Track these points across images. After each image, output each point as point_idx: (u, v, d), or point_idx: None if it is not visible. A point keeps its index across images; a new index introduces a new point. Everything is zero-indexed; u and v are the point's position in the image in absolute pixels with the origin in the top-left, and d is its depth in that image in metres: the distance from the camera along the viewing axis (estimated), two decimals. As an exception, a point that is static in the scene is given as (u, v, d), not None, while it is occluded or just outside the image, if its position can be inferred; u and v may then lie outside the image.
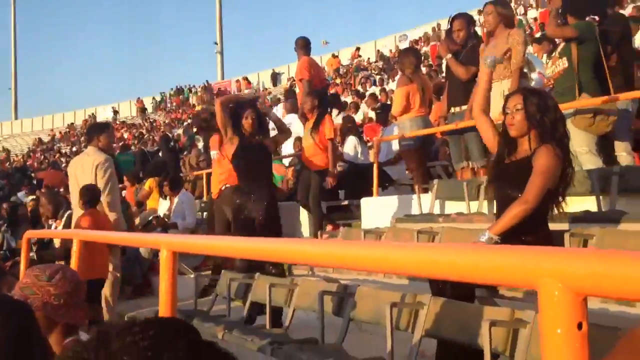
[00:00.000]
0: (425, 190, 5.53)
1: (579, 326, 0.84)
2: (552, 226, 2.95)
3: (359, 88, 17.46)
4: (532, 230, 2.75)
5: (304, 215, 6.60)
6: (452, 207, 5.01)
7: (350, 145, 7.90)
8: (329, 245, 1.59)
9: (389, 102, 10.92)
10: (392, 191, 6.74)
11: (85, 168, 5.32)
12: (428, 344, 3.01)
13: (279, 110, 12.85)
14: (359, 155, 7.73)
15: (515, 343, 2.17)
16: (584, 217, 3.60)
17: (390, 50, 23.34)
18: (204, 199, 8.26)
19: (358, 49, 27.37)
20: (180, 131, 15.65)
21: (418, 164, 5.88)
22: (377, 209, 5.81)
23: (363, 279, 4.28)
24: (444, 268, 1.01)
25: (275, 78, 31.14)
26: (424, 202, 5.37)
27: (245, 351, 3.22)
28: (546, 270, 0.87)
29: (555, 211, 2.89)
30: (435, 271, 1.11)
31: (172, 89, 34.91)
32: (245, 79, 31.40)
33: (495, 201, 3.10)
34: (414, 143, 5.87)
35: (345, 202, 7.03)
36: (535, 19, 17.58)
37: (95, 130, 5.67)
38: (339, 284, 3.42)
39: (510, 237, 2.73)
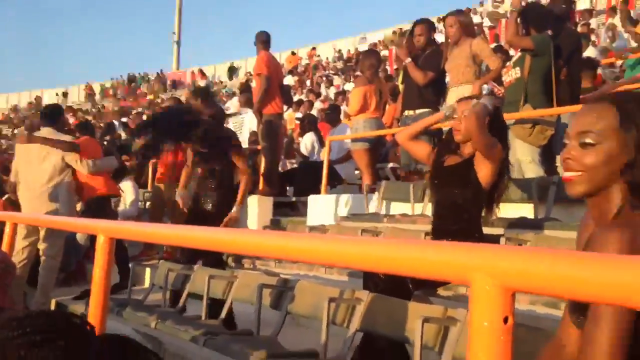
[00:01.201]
0: (373, 191, 5.57)
1: (505, 320, 0.86)
2: (490, 230, 3.01)
3: (318, 87, 17.47)
4: (467, 235, 2.78)
5: (252, 207, 6.52)
6: (398, 208, 5.06)
7: (308, 142, 7.89)
8: (270, 237, 1.55)
9: (339, 104, 10.96)
10: (341, 190, 6.75)
11: (41, 151, 5.11)
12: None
13: (234, 103, 12.71)
14: (316, 153, 7.75)
15: (445, 339, 2.20)
16: (520, 223, 3.71)
17: (349, 51, 23.45)
18: (148, 188, 8.08)
19: (314, 48, 27.37)
20: (126, 119, 15.27)
21: (368, 164, 5.92)
22: (324, 207, 5.82)
23: (304, 273, 4.26)
24: (380, 261, 1.03)
25: (232, 71, 30.84)
26: (371, 202, 5.40)
27: (179, 341, 3.15)
28: (478, 265, 0.89)
29: (491, 216, 2.95)
30: (372, 264, 1.11)
31: (121, 75, 34.10)
32: (201, 71, 30.96)
33: (434, 203, 3.13)
34: (366, 143, 5.92)
35: (293, 199, 7.00)
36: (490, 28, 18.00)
37: (54, 112, 5.53)
38: (279, 278, 3.39)
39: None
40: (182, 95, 20.62)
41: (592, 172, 1.30)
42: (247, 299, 3.44)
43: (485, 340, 0.87)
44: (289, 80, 19.23)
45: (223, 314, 3.50)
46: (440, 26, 10.67)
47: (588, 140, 1.30)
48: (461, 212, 2.87)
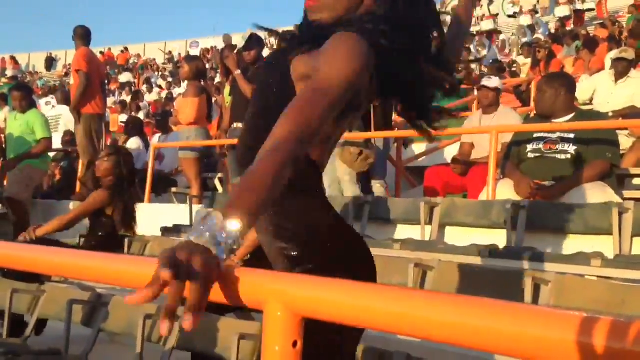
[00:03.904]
0: (200, 201, 5.53)
1: (294, 344, 0.92)
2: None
3: (150, 88, 16.82)
4: None
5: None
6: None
7: (134, 146, 7.58)
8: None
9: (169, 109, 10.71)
10: (166, 199, 6.61)
11: None
12: (181, 356, 3.01)
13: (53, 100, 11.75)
14: (142, 159, 7.46)
15: (260, 355, 2.28)
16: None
17: (180, 54, 22.96)
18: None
19: (126, 49, 26.08)
20: None
21: (196, 174, 5.88)
22: (147, 216, 5.64)
23: (121, 288, 4.10)
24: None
25: (50, 62, 28.45)
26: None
27: (-28, 364, 2.86)
28: (270, 292, 0.95)
29: None
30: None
31: None
32: (13, 58, 28.11)
33: None
34: (195, 153, 5.88)
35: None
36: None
37: None
38: (92, 293, 3.24)
39: None
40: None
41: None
42: (56, 316, 3.23)
43: (276, 363, 0.91)
44: (127, 77, 18.23)
45: (27, 332, 3.26)
46: (271, 40, 10.93)
47: None
48: None
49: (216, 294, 1.02)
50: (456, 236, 3.69)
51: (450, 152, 5.50)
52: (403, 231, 4.06)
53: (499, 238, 3.46)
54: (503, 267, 2.97)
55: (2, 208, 7.33)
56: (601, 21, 10.97)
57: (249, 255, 2.88)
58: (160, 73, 20.05)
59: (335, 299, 0.92)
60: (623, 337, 0.65)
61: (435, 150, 5.63)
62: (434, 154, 5.59)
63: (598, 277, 2.71)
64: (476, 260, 3.14)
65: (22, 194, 6.13)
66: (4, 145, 6.60)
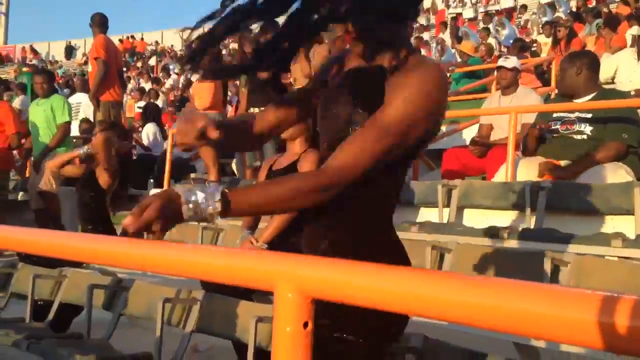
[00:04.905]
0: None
1: (305, 325, 0.93)
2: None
3: (167, 75, 16.87)
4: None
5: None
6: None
7: (150, 132, 7.63)
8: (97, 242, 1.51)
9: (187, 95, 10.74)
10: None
11: None
12: (202, 339, 3.04)
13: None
14: (159, 145, 7.52)
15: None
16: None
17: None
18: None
19: (132, 36, 25.98)
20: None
21: (214, 159, 5.90)
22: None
23: (142, 272, 4.15)
24: (183, 267, 1.06)
25: (70, 51, 28.67)
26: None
27: (-1, 347, 2.92)
28: (280, 274, 0.96)
29: None
30: (176, 270, 1.14)
31: None
32: (32, 47, 28.39)
33: None
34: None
35: (134, 192, 6.76)
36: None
37: None
38: (113, 278, 3.28)
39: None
40: (11, 72, 18.77)
41: None
42: (78, 300, 3.29)
43: (288, 344, 0.93)
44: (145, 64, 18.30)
45: (50, 316, 3.32)
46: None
47: None
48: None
49: (228, 276, 1.03)
50: (475, 218, 3.65)
51: (469, 134, 5.44)
52: (422, 214, 4.03)
53: (518, 220, 3.42)
54: (521, 249, 2.94)
55: (23, 195, 7.44)
56: (624, -2, 10.69)
57: (274, 240, 2.86)
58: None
59: (344, 279, 0.92)
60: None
61: (454, 132, 5.57)
62: (453, 135, 5.53)
63: (619, 257, 2.67)
64: (494, 242, 3.10)
65: (53, 187, 6.19)
66: (23, 141, 6.62)
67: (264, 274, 0.99)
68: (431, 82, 1.22)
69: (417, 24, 11.47)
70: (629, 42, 7.23)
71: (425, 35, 11.21)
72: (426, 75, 1.22)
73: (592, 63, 4.08)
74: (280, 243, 2.80)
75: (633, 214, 3.04)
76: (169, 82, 14.99)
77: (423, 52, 10.44)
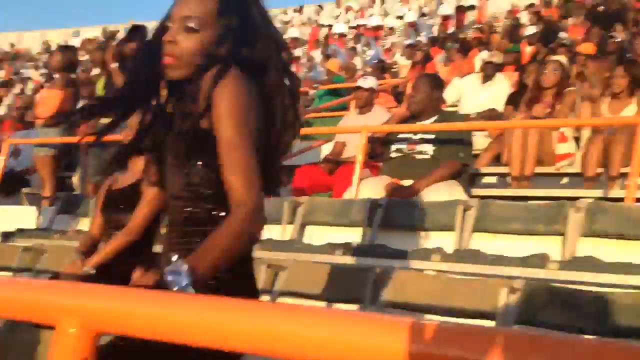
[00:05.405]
0: (52, 203, 5.26)
1: None
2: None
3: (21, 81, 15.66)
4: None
5: None
6: (81, 223, 4.79)
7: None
8: None
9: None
10: (17, 201, 6.20)
11: None
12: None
13: None
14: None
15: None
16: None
17: (58, 45, 21.37)
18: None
19: None
20: None
21: (51, 173, 5.56)
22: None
23: None
24: None
25: None
26: (46, 215, 5.08)
27: None
28: (64, 308, 0.92)
29: None
30: None
31: None
32: None
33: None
34: (51, 150, 5.55)
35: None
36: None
37: None
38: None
39: None
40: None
41: (189, 58, 1.36)
42: None
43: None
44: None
45: None
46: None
47: (190, 25, 1.36)
48: None
49: (9, 309, 0.94)
50: (316, 235, 3.75)
51: (326, 151, 5.58)
52: (266, 232, 4.03)
53: (354, 236, 3.55)
54: (352, 265, 3.05)
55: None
56: (480, 26, 11.55)
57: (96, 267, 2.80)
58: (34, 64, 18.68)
59: (130, 312, 0.88)
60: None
61: (309, 149, 5.69)
62: (308, 152, 5.65)
63: (437, 271, 2.85)
64: (330, 259, 3.20)
65: None
66: None
67: (45, 307, 0.94)
68: (234, 88, 1.35)
69: (290, 39, 11.61)
70: (477, 67, 7.79)
71: (298, 51, 11.40)
72: (230, 87, 1.35)
73: (436, 86, 4.36)
74: (106, 271, 2.74)
75: (454, 230, 3.27)
76: (19, 87, 13.96)
77: (293, 66, 10.52)
